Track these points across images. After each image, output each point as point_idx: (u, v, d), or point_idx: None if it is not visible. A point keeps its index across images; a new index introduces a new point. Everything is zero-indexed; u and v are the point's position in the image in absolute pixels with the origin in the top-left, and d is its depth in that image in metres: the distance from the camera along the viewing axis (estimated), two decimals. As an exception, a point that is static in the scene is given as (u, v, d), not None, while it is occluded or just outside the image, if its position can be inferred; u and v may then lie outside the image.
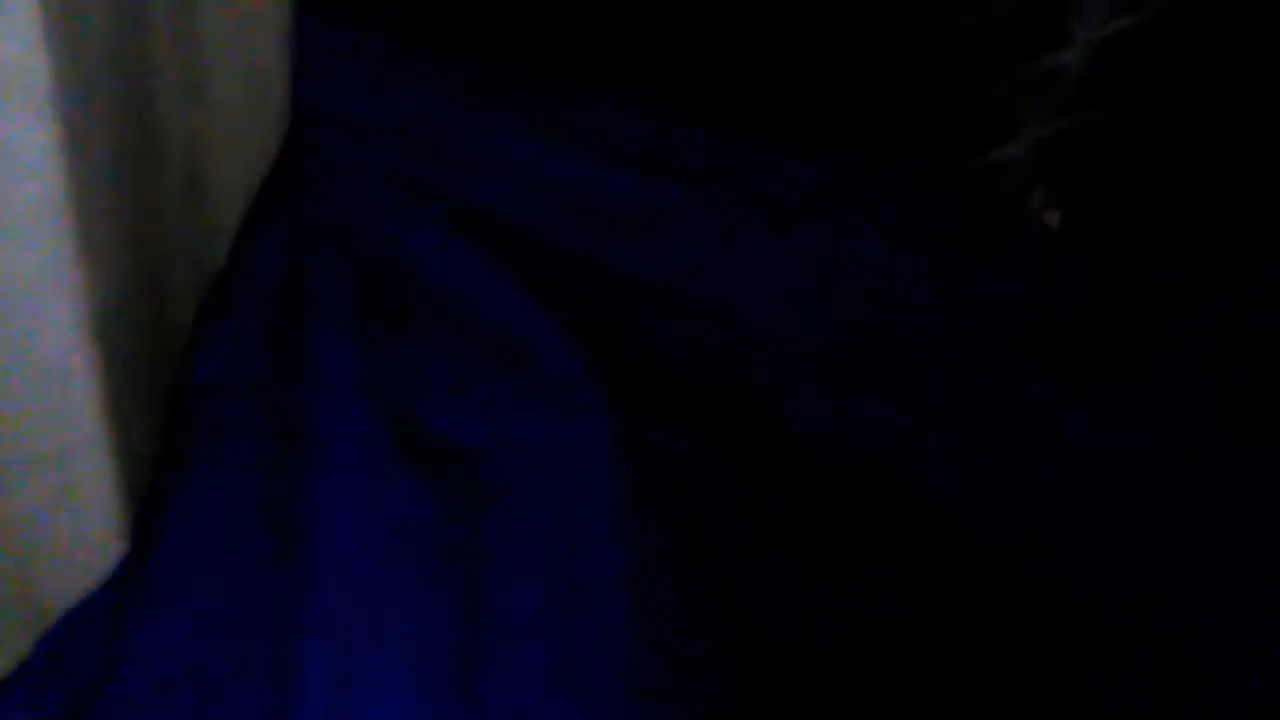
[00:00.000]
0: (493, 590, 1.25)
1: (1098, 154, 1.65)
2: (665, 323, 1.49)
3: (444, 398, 1.34)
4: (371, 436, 1.27)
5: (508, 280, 1.40)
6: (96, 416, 1.09)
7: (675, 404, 1.46)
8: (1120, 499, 1.51)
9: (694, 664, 1.37)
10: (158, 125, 1.15)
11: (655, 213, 1.49)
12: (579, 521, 1.31)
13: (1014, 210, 1.64)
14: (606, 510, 1.33)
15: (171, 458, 1.24)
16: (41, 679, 1.20)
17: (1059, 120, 1.61)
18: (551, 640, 1.25)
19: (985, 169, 1.63)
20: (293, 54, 1.31)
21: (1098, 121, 1.62)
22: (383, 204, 1.40)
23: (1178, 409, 1.55)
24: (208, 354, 1.29)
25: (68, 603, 1.20)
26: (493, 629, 1.24)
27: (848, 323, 1.55)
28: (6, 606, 1.21)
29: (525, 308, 1.39)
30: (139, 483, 1.21)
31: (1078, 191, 1.64)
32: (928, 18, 1.57)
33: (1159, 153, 1.63)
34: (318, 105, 1.37)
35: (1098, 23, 1.56)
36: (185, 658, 1.19)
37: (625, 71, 1.55)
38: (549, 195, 1.45)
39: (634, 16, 1.57)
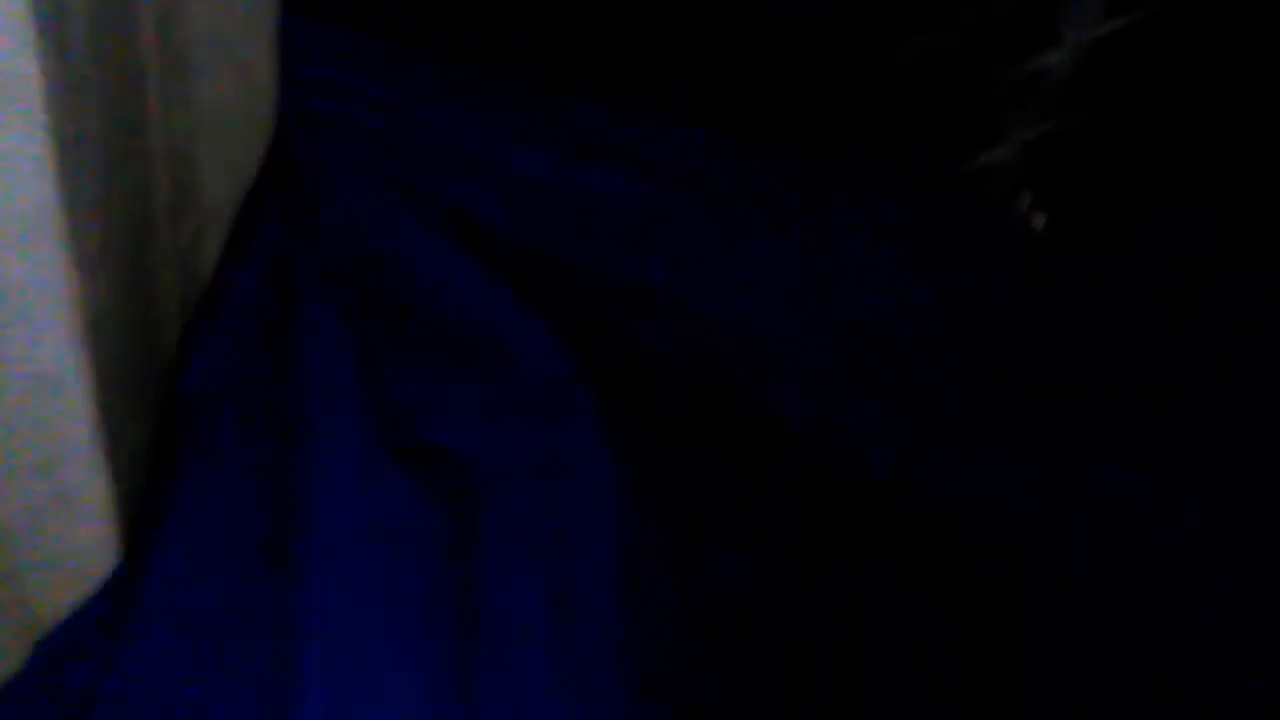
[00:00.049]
0: (490, 594, 1.25)
1: (1086, 157, 1.65)
2: (660, 324, 1.49)
3: (435, 403, 1.34)
4: (363, 441, 1.27)
5: (499, 284, 1.40)
6: (88, 424, 1.09)
7: (670, 406, 1.46)
8: (1120, 499, 1.51)
9: (693, 665, 1.37)
10: (144, 128, 1.14)
11: (650, 214, 1.48)
12: (574, 525, 1.31)
13: (1002, 213, 1.64)
14: (602, 513, 1.33)
15: (163, 465, 1.24)
16: (34, 695, 1.21)
17: (1047, 123, 1.61)
18: (550, 643, 1.26)
19: (973, 171, 1.63)
20: (281, 56, 1.31)
21: (1086, 124, 1.62)
22: (373, 207, 1.40)
23: (1177, 409, 1.55)
24: (197, 359, 1.29)
25: (60, 612, 1.20)
26: (491, 632, 1.24)
27: (846, 323, 1.55)
28: (-1, 616, 1.22)
29: (516, 311, 1.39)
30: (131, 491, 1.21)
31: (1065, 195, 1.64)
32: (915, 20, 1.57)
33: (1148, 155, 1.62)
34: (307, 107, 1.37)
35: (1087, 25, 1.56)
36: (180, 665, 1.19)
37: (620, 71, 1.55)
38: (542, 198, 1.45)
39: (630, 15, 1.57)
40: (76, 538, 1.17)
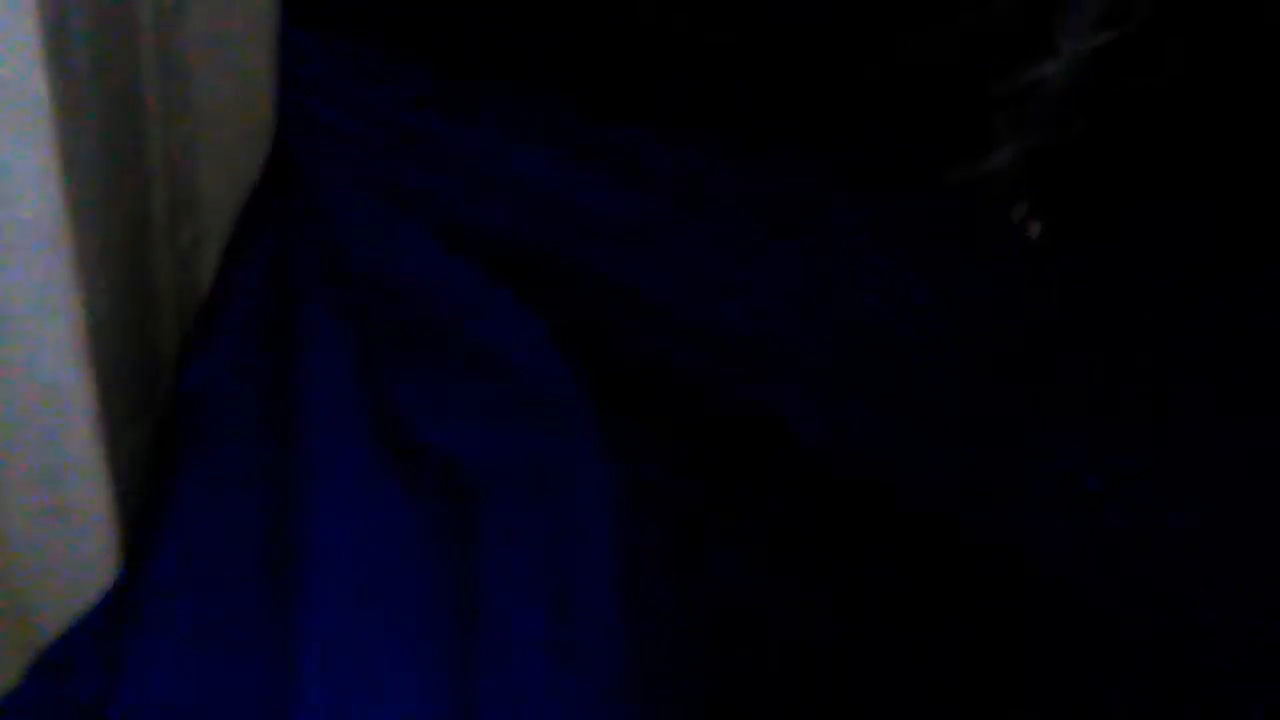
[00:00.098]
0: (489, 595, 1.25)
1: (1081, 166, 1.65)
2: (658, 328, 1.49)
3: (434, 406, 1.34)
4: (363, 444, 1.27)
5: (498, 288, 1.40)
6: (89, 433, 1.09)
7: (669, 408, 1.46)
8: (1120, 499, 1.51)
9: (693, 665, 1.37)
10: (144, 137, 1.14)
11: (647, 219, 1.48)
12: (574, 527, 1.31)
13: (998, 220, 1.64)
14: (601, 515, 1.33)
15: (163, 470, 1.24)
16: (35, 708, 1.21)
17: (1042, 132, 1.61)
18: (550, 644, 1.26)
19: (968, 180, 1.63)
20: (281, 65, 1.31)
21: (1082, 134, 1.62)
22: (373, 212, 1.40)
23: (1177, 409, 1.55)
24: (197, 364, 1.28)
25: (60, 623, 1.20)
26: (490, 633, 1.24)
27: (845, 324, 1.55)
28: (-1, 627, 1.22)
29: (515, 315, 1.39)
30: (131, 498, 1.21)
31: (1060, 203, 1.64)
32: (907, 29, 1.57)
33: (1147, 158, 1.62)
34: (306, 116, 1.36)
35: (1083, 35, 1.56)
36: (182, 673, 1.19)
37: (619, 72, 1.55)
38: (540, 203, 1.45)
39: (630, 16, 1.56)
40: (76, 548, 1.17)
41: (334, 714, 1.18)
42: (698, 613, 1.41)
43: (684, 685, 1.37)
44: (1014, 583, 1.48)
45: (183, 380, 1.28)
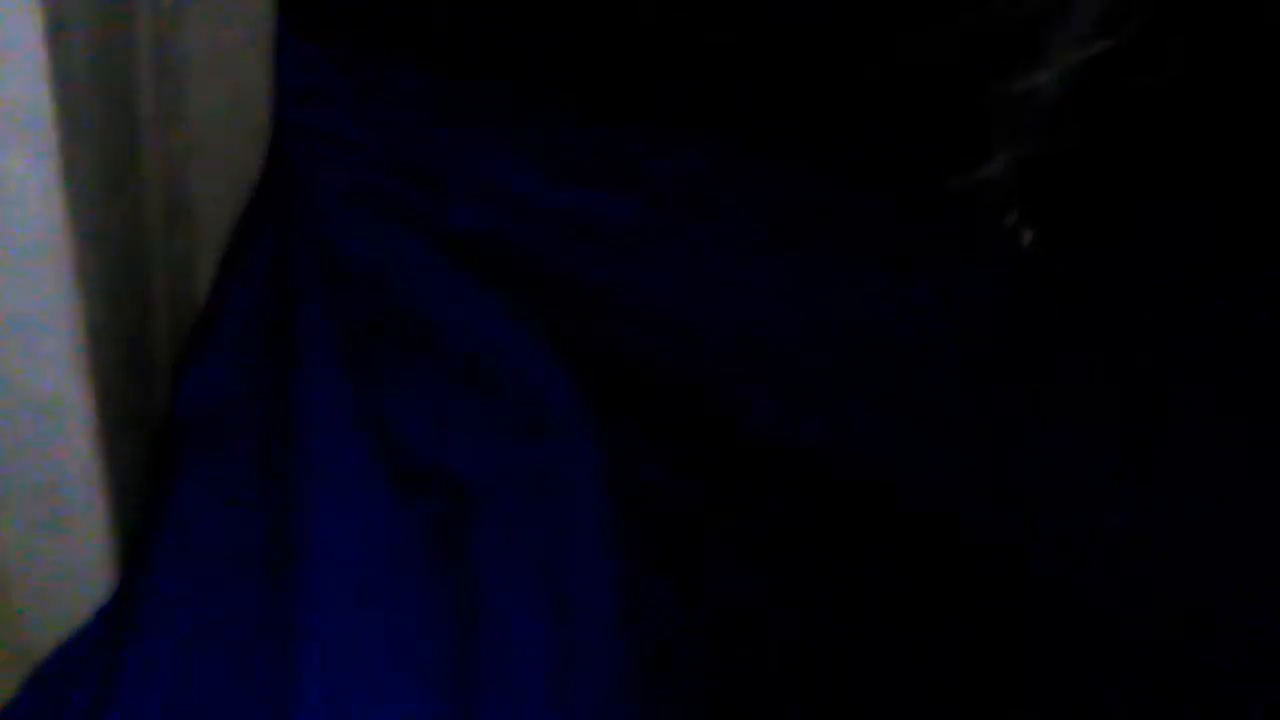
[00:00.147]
0: (488, 605, 1.25)
1: (1072, 176, 1.65)
2: (655, 336, 1.49)
3: (432, 418, 1.34)
4: (361, 457, 1.27)
5: (494, 303, 1.39)
6: (88, 447, 1.10)
7: (666, 416, 1.46)
8: (1120, 499, 1.51)
9: (694, 668, 1.37)
10: (140, 145, 1.14)
11: (643, 228, 1.48)
12: (572, 536, 1.31)
13: (990, 228, 1.64)
14: (599, 524, 1.33)
15: (160, 485, 1.24)
16: (32, 720, 1.21)
17: (1034, 142, 1.61)
18: (549, 652, 1.26)
19: (961, 189, 1.62)
20: (276, 74, 1.30)
21: (1073, 143, 1.62)
22: (368, 224, 1.39)
23: (1177, 409, 1.54)
24: (193, 377, 1.28)
25: (57, 636, 1.20)
26: (490, 640, 1.24)
27: (845, 326, 1.55)
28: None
29: (511, 326, 1.39)
30: (128, 512, 1.21)
31: (1052, 213, 1.64)
32: (900, 36, 1.57)
33: (1139, 170, 1.62)
34: (302, 125, 1.36)
35: (1075, 45, 1.56)
36: (182, 676, 1.19)
37: (619, 73, 1.55)
38: (536, 216, 1.45)
39: (629, 16, 1.56)
40: (74, 561, 1.18)
41: (334, 717, 1.18)
42: (697, 613, 1.41)
43: (684, 686, 1.37)
44: (1014, 583, 1.48)
45: (179, 390, 1.28)
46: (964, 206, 1.61)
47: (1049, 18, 1.57)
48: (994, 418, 1.55)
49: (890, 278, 1.57)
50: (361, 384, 1.31)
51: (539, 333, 1.38)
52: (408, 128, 1.42)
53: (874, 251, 1.57)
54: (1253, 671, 1.43)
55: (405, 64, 1.43)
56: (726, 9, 1.55)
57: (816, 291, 1.55)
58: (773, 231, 1.54)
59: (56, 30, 0.93)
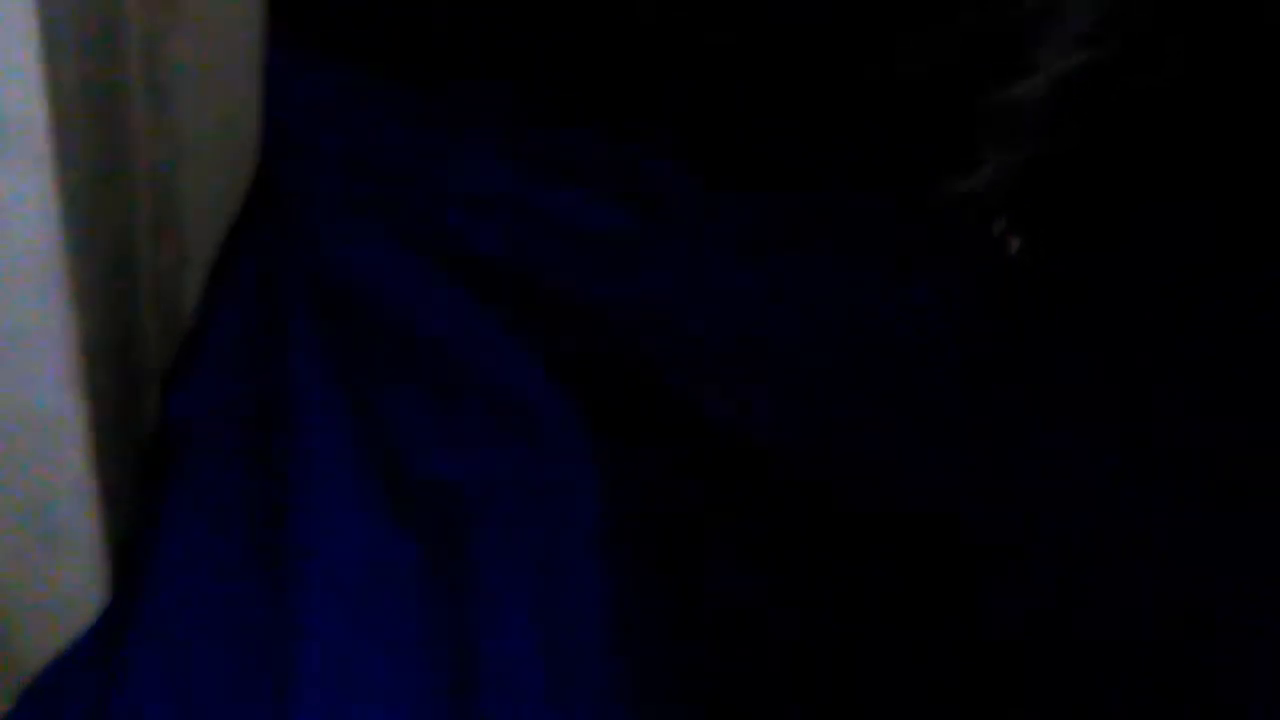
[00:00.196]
0: (483, 621, 1.25)
1: (1058, 184, 1.65)
2: (652, 345, 1.49)
3: (424, 432, 1.33)
4: (354, 468, 1.27)
5: (484, 313, 1.39)
6: (81, 462, 1.09)
7: (664, 423, 1.46)
8: (1120, 499, 1.51)
9: (692, 673, 1.37)
10: (130, 162, 1.14)
11: (642, 238, 1.48)
12: (566, 548, 1.31)
13: (978, 236, 1.64)
14: (594, 535, 1.32)
15: (152, 498, 1.24)
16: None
17: (1021, 150, 1.61)
18: (547, 664, 1.26)
19: (948, 198, 1.63)
20: (266, 88, 1.30)
21: (1060, 152, 1.62)
22: (357, 234, 1.39)
23: (1177, 409, 1.54)
24: (184, 392, 1.28)
25: (51, 650, 1.20)
26: (487, 657, 1.24)
27: (845, 327, 1.55)
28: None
29: (502, 341, 1.39)
30: (120, 526, 1.21)
31: (1038, 220, 1.64)
32: (887, 49, 1.57)
33: (1134, 173, 1.62)
34: (290, 138, 1.36)
35: (1060, 56, 1.56)
36: (173, 702, 1.19)
37: (619, 73, 1.55)
38: (525, 226, 1.45)
39: (629, 16, 1.56)
40: (66, 577, 1.17)
41: None
42: (696, 616, 1.40)
43: (682, 689, 1.37)
44: (1014, 583, 1.48)
45: (170, 402, 1.28)
46: (953, 213, 1.62)
47: (1034, 29, 1.57)
48: (994, 418, 1.55)
49: (889, 279, 1.57)
50: (353, 393, 1.30)
51: (532, 340, 1.38)
52: (397, 139, 1.42)
53: (872, 254, 1.58)
54: (1253, 671, 1.43)
55: (394, 76, 1.43)
56: (721, 18, 1.55)
57: (814, 294, 1.55)
58: (769, 236, 1.55)
59: (52, 47, 0.93)
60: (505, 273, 1.43)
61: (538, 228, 1.45)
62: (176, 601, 1.19)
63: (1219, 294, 1.57)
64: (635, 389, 1.48)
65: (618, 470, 1.35)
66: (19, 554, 1.14)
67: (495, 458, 1.34)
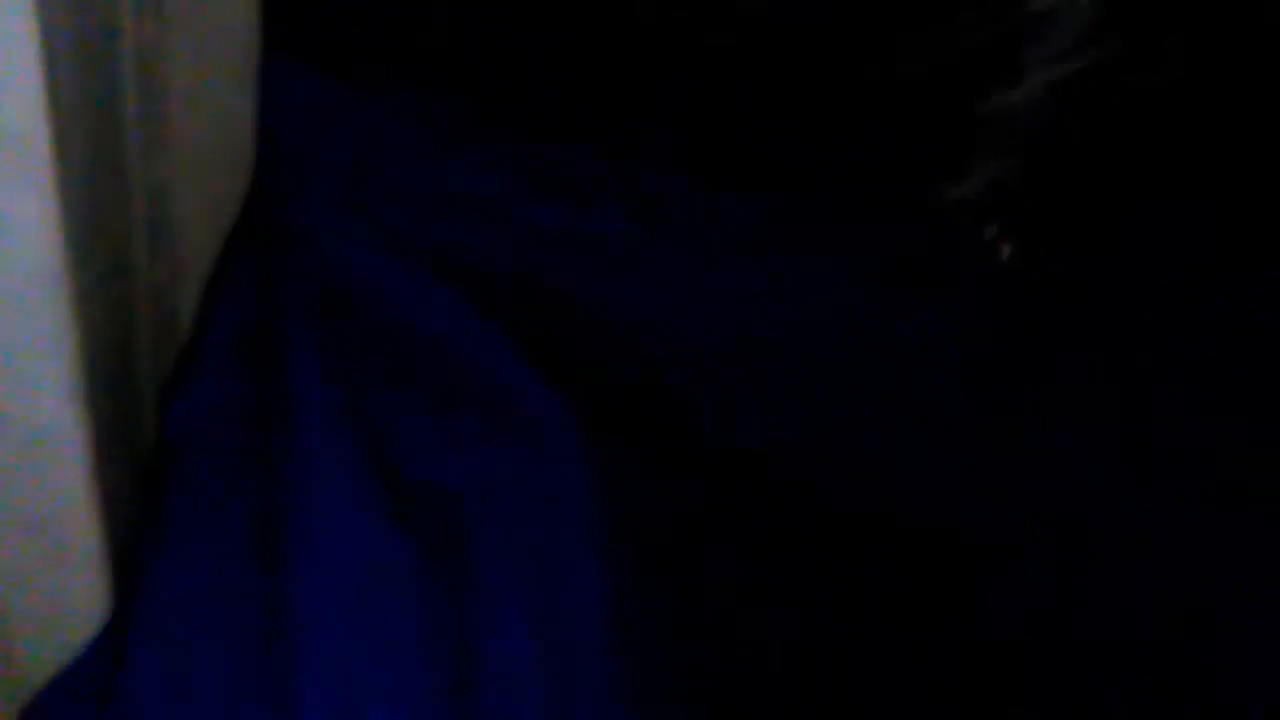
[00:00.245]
0: (482, 622, 1.25)
1: (1048, 191, 1.65)
2: (646, 351, 1.49)
3: (422, 439, 1.33)
4: (352, 477, 1.26)
5: (482, 317, 1.39)
6: (83, 477, 1.09)
7: (656, 431, 1.46)
8: (1120, 499, 1.51)
9: (691, 675, 1.38)
10: (126, 174, 1.14)
11: (633, 246, 1.48)
12: (563, 553, 1.31)
13: (969, 243, 1.64)
14: (591, 540, 1.32)
15: (152, 511, 1.24)
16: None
17: (1011, 159, 1.61)
18: (547, 670, 1.26)
19: (939, 205, 1.63)
20: (262, 98, 1.30)
21: (1051, 159, 1.62)
22: (353, 244, 1.39)
23: (1178, 410, 1.54)
24: (182, 404, 1.28)
25: (52, 665, 1.19)
26: (485, 660, 1.24)
27: (845, 328, 1.55)
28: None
29: (500, 348, 1.39)
30: (122, 541, 1.21)
31: (1029, 227, 1.64)
32: (880, 58, 1.57)
33: (1121, 183, 1.62)
34: (286, 148, 1.36)
35: (1049, 65, 1.56)
36: (177, 711, 1.19)
37: (618, 74, 1.55)
38: (521, 234, 1.44)
39: (629, 16, 1.56)
40: (68, 593, 1.16)
41: None
42: (697, 615, 1.41)
43: (682, 691, 1.37)
44: (1014, 583, 1.48)
45: (168, 414, 1.28)
46: (945, 220, 1.62)
47: (1024, 39, 1.57)
48: (993, 418, 1.55)
49: (888, 280, 1.57)
50: (351, 401, 1.30)
51: (527, 347, 1.38)
52: (392, 148, 1.42)
53: (872, 254, 1.58)
54: (1253, 671, 1.43)
55: (388, 85, 1.43)
56: (710, 32, 1.55)
57: (814, 295, 1.55)
58: (768, 237, 1.54)
59: (53, 61, 0.93)
60: (503, 276, 1.42)
61: (536, 232, 1.45)
62: (176, 607, 1.19)
63: (1219, 294, 1.57)
64: (633, 390, 1.48)
65: (616, 471, 1.35)
66: (20, 569, 1.14)
67: (494, 460, 1.34)
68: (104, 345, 1.11)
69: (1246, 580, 1.47)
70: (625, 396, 1.46)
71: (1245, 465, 1.51)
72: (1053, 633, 1.47)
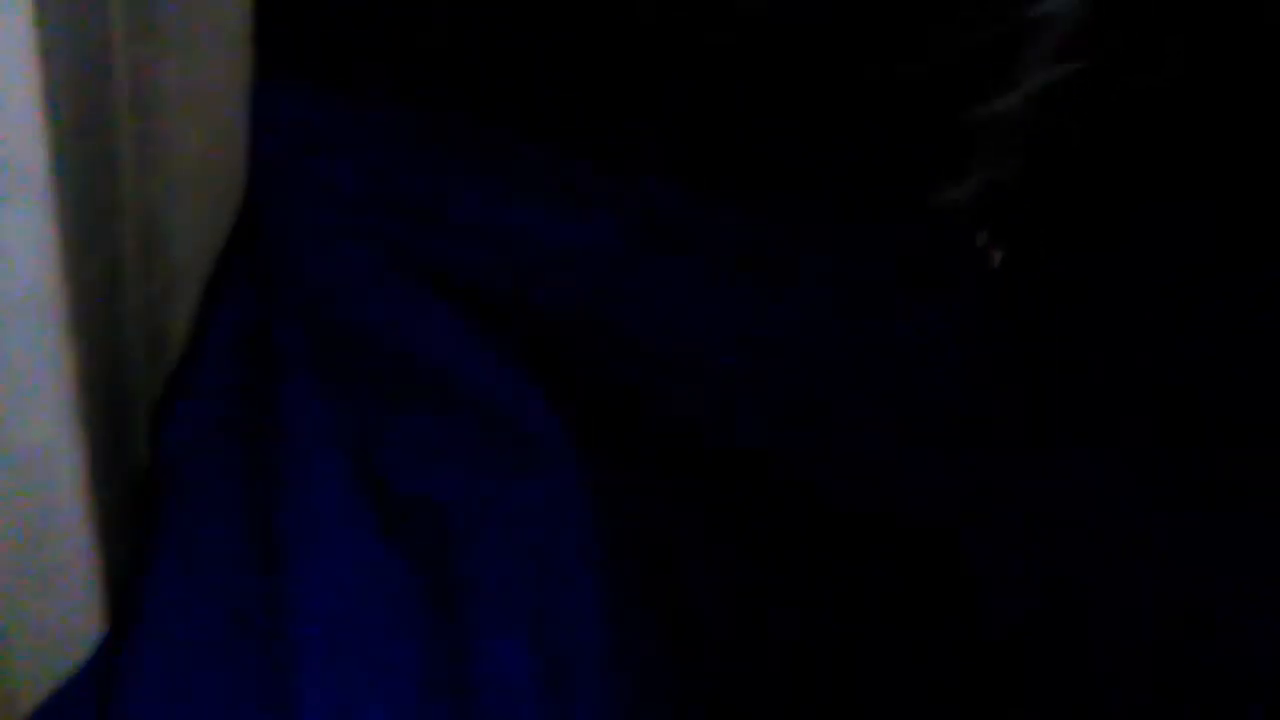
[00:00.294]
0: (479, 640, 1.25)
1: (1042, 199, 1.65)
2: (638, 373, 1.48)
3: (416, 457, 1.32)
4: (346, 496, 1.26)
5: (476, 337, 1.39)
6: (77, 496, 1.09)
7: (652, 450, 1.46)
8: (1119, 499, 1.51)
9: (692, 678, 1.38)
10: (119, 191, 1.14)
11: (628, 261, 1.48)
12: (557, 571, 1.30)
13: (961, 248, 1.64)
14: (586, 559, 1.31)
15: (145, 531, 1.24)
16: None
17: (1003, 164, 1.61)
18: (542, 690, 1.26)
19: (931, 210, 1.63)
20: (253, 112, 1.30)
21: (1043, 167, 1.62)
22: (347, 260, 1.39)
23: (1177, 410, 1.54)
24: (174, 425, 1.28)
25: (44, 688, 1.19)
26: (483, 678, 1.24)
27: (846, 328, 1.55)
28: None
29: (494, 361, 1.39)
30: (117, 561, 1.20)
31: (1021, 233, 1.64)
32: (872, 63, 1.56)
33: (1110, 194, 1.62)
34: (279, 163, 1.35)
35: (1042, 69, 1.56)
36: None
37: (618, 75, 1.54)
38: (516, 250, 1.44)
39: (629, 16, 1.56)
40: (62, 612, 1.16)
41: None
42: (696, 618, 1.41)
43: (682, 692, 1.37)
44: (1014, 583, 1.48)
45: (161, 431, 1.28)
46: (935, 227, 1.62)
47: (1016, 43, 1.56)
48: (993, 418, 1.55)
49: (888, 281, 1.57)
50: (345, 418, 1.30)
51: (521, 363, 1.38)
52: (386, 162, 1.41)
53: (871, 257, 1.57)
54: (1253, 671, 1.43)
55: (382, 99, 1.42)
56: (701, 43, 1.54)
57: (813, 295, 1.55)
58: (768, 238, 1.54)
59: (49, 84, 0.93)
60: (494, 295, 1.42)
61: (527, 250, 1.45)
62: (171, 633, 1.19)
63: (1219, 294, 1.57)
64: (630, 392, 1.48)
65: (611, 480, 1.35)
66: (13, 590, 1.14)
67: (487, 472, 1.33)
68: (96, 362, 1.11)
69: (1246, 580, 1.47)
70: (622, 400, 1.46)
71: (1245, 465, 1.51)
72: (1053, 633, 1.47)
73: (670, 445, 1.47)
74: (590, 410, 1.39)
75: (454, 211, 1.42)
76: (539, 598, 1.28)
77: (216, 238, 1.31)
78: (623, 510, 1.35)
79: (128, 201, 1.15)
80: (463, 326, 1.37)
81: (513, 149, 1.45)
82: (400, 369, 1.36)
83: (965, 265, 1.63)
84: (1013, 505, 1.51)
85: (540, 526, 1.31)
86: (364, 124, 1.41)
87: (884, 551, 1.49)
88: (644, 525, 1.39)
